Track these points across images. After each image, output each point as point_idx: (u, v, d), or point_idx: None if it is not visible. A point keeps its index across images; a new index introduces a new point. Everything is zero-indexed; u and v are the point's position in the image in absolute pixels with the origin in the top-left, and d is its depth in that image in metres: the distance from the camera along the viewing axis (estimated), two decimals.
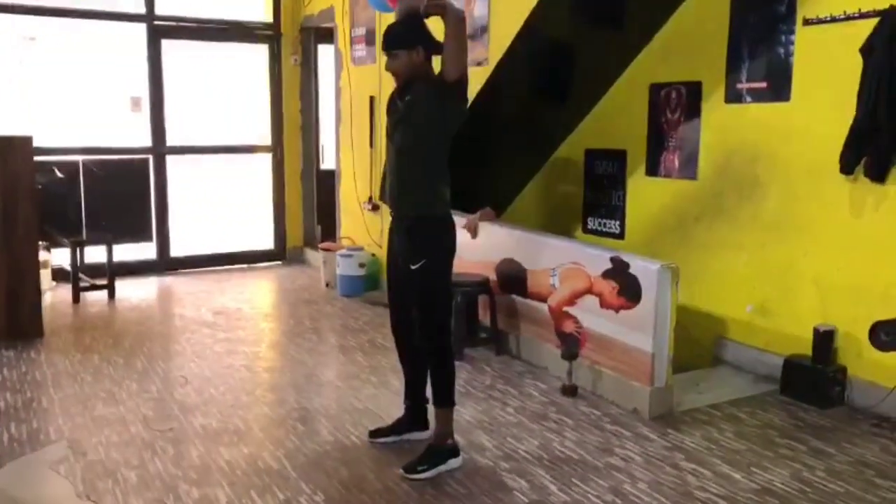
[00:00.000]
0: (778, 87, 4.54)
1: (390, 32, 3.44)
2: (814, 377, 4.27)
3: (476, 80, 5.29)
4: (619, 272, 4.22)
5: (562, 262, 4.62)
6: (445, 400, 3.50)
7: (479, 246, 5.34)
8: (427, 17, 3.35)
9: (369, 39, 6.60)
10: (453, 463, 3.46)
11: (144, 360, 4.91)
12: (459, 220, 5.44)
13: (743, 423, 4.02)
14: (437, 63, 3.42)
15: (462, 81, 3.32)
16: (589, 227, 6.03)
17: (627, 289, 4.16)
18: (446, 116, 3.41)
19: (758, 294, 4.75)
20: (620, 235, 5.76)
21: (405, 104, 3.41)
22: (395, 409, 3.94)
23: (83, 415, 4.04)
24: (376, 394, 4.36)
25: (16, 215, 5.20)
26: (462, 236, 5.37)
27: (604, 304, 4.32)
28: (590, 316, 4.43)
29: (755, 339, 4.77)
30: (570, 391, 4.40)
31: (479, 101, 5.36)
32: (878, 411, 4.07)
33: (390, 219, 3.61)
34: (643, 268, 4.09)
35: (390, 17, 6.27)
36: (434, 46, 3.42)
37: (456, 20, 3.26)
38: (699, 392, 4.47)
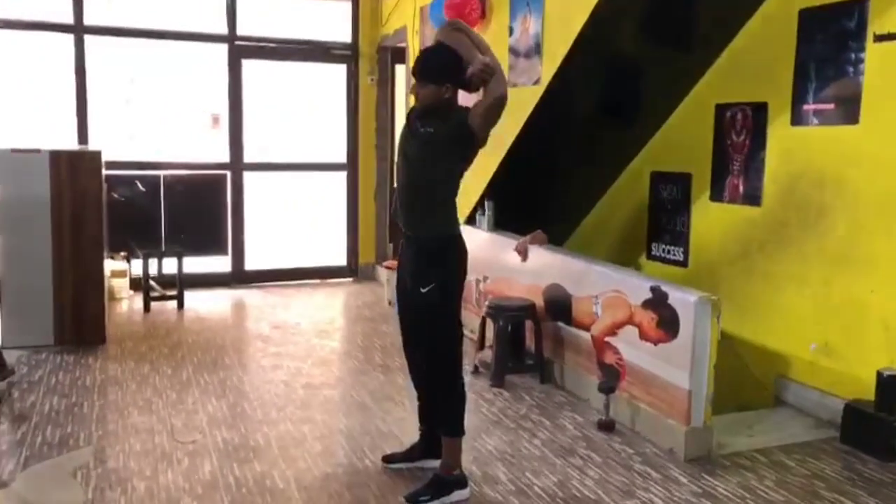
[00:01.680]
0: (846, 108, 4.20)
1: (425, 60, 3.34)
2: (876, 426, 3.89)
3: (530, 99, 5.19)
4: (658, 302, 3.98)
5: (604, 289, 4.41)
6: (452, 429, 3.39)
7: (529, 270, 5.19)
8: (470, 85, 3.27)
9: None
10: (459, 495, 3.33)
11: (190, 371, 5.02)
12: (508, 241, 5.36)
13: (789, 472, 3.70)
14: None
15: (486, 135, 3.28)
16: (653, 253, 5.78)
17: (666, 320, 3.92)
18: (464, 155, 3.37)
19: (822, 332, 4.39)
20: (684, 263, 5.48)
21: (425, 134, 3.32)
22: (417, 434, 3.83)
23: (116, 422, 4.14)
24: (405, 417, 4.27)
25: (83, 226, 5.44)
26: (513, 259, 5.28)
27: (643, 336, 4.09)
28: (629, 348, 4.20)
29: (818, 380, 4.40)
30: (607, 426, 4.18)
31: (533, 121, 5.24)
32: None
33: (402, 237, 3.53)
34: (681, 299, 3.84)
35: None
36: (464, 83, 3.31)
37: (500, 96, 3.19)
38: (749, 434, 4.16)
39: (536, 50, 5.15)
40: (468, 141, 3.29)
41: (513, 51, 5.45)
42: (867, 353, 4.11)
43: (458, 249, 3.42)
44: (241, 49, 7.56)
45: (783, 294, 4.63)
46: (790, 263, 4.58)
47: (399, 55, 7.80)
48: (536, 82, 5.19)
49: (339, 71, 8.03)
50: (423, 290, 3.33)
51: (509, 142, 5.41)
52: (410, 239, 3.46)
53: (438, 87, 3.26)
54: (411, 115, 3.45)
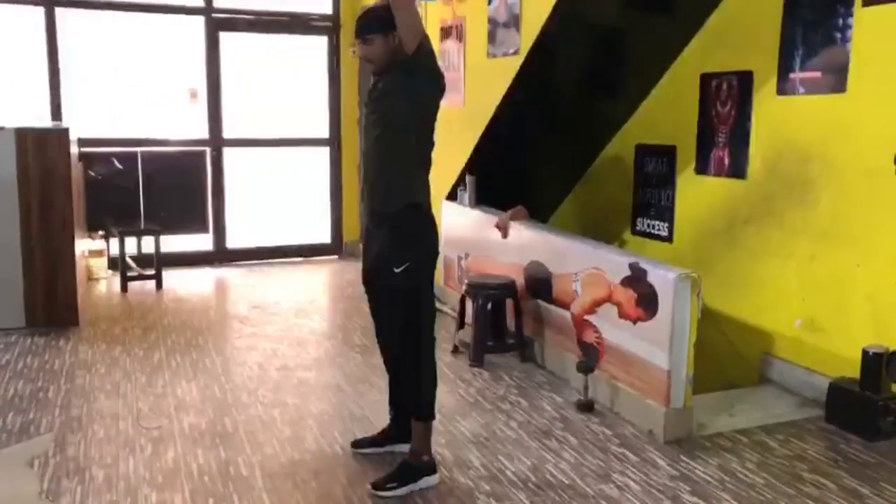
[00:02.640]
0: (833, 76, 4.04)
1: (364, 18, 3.20)
2: (861, 405, 3.77)
3: (509, 71, 5.02)
4: (637, 280, 3.86)
5: (584, 266, 4.28)
6: (423, 413, 3.27)
7: (510, 247, 5.05)
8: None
9: None
10: (428, 481, 3.22)
11: (163, 353, 4.90)
12: (490, 218, 5.22)
13: (771, 453, 3.59)
14: None
15: (422, 50, 3.04)
16: (638, 228, 5.64)
17: (645, 298, 3.79)
18: (418, 92, 3.12)
19: (807, 308, 4.26)
20: (669, 238, 5.35)
21: (378, 92, 3.18)
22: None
23: (81, 407, 4.02)
24: (379, 400, 4.14)
25: (52, 205, 5.29)
26: (494, 236, 5.14)
27: (622, 314, 3.97)
28: (609, 326, 4.08)
29: (803, 357, 4.29)
30: (586, 407, 4.06)
31: (514, 92, 5.08)
32: None
33: (367, 219, 3.37)
34: (660, 276, 3.71)
35: (435, 8, 6.07)
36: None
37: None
38: (731, 414, 4.05)
39: (515, 19, 4.97)
40: (414, 69, 3.06)
41: (492, 21, 5.27)
42: (852, 329, 3.99)
43: (427, 223, 3.25)
44: (218, 21, 7.37)
45: (769, 269, 4.50)
46: (776, 238, 4.45)
47: None
48: (515, 52, 5.02)
49: (320, 43, 7.84)
50: (396, 271, 3.18)
51: (489, 114, 5.26)
52: (380, 216, 3.29)
53: (385, 35, 3.09)
54: (368, 94, 3.29)
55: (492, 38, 5.30)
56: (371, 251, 3.32)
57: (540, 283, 4.71)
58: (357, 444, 3.56)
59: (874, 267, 3.89)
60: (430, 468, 3.26)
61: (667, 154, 5.29)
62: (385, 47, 3.10)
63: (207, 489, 3.19)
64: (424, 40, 3.06)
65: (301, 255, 8.00)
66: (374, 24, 3.12)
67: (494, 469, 3.40)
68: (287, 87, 7.82)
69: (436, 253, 3.32)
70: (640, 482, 3.29)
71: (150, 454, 3.49)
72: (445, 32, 5.91)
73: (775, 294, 4.45)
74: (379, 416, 3.88)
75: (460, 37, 5.68)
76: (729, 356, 4.70)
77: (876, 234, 3.87)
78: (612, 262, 4.08)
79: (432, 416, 3.30)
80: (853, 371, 3.89)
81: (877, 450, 3.62)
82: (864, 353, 3.77)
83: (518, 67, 4.92)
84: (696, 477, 3.35)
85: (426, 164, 3.26)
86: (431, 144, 3.27)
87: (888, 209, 3.80)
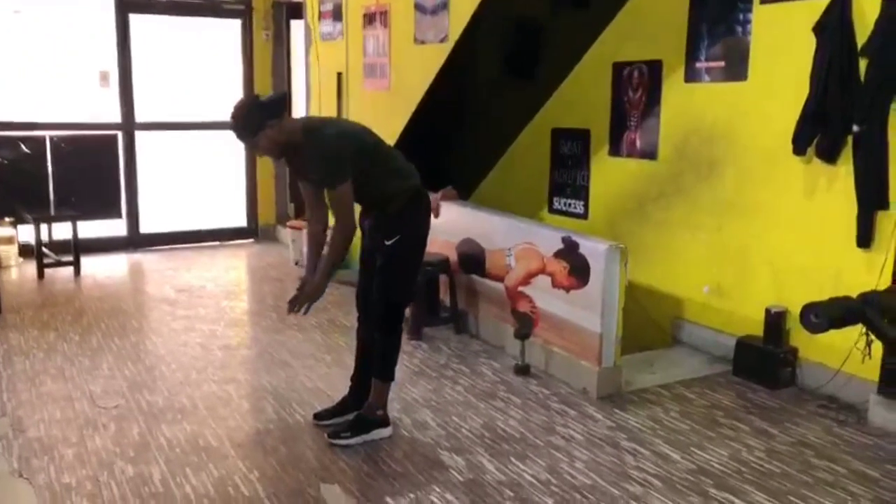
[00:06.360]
0: (735, 66, 4.50)
1: (235, 127, 3.24)
2: (764, 358, 4.27)
3: (437, 57, 5.27)
4: (569, 252, 4.20)
5: (517, 241, 4.60)
6: (384, 373, 3.52)
7: (441, 225, 5.29)
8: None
9: (336, 15, 6.52)
10: (381, 433, 3.50)
11: (100, 337, 4.90)
12: None
13: (690, 404, 4.03)
14: None
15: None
16: (555, 207, 6.01)
17: (577, 269, 4.15)
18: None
19: (714, 275, 4.74)
20: (584, 216, 5.74)
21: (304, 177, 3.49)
22: (345, 389, 3.90)
23: (29, 391, 4.02)
24: (328, 373, 4.35)
25: None
26: None
27: (555, 284, 4.31)
28: (543, 295, 4.42)
29: (711, 320, 4.77)
30: (523, 370, 4.40)
31: (440, 78, 5.33)
32: (826, 392, 4.08)
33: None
34: (592, 248, 4.07)
35: None
36: (280, 107, 3.30)
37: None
38: (651, 372, 4.47)
39: (444, 6, 5.22)
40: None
41: (419, 7, 5.49)
42: (755, 293, 4.48)
43: (420, 199, 3.51)
44: (128, 3, 7.24)
45: (678, 241, 4.95)
46: (685, 212, 4.90)
47: (295, 10, 7.66)
48: (443, 40, 5.27)
49: (233, 26, 7.83)
50: (387, 243, 3.40)
51: (417, 99, 5.49)
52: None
53: (264, 129, 3.17)
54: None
55: (419, 25, 5.52)
56: (364, 226, 3.55)
57: (473, 259, 5.00)
58: (319, 416, 3.73)
59: (773, 236, 4.38)
60: (383, 422, 3.53)
61: (581, 137, 5.67)
62: (273, 138, 3.20)
63: (181, 459, 3.31)
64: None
65: (217, 239, 8.01)
66: (247, 130, 3.20)
67: (451, 428, 3.67)
68: (200, 71, 7.77)
69: (423, 234, 3.56)
70: (582, 433, 3.64)
71: (115, 431, 3.57)
72: (368, 19, 6.08)
73: (685, 264, 4.91)
74: (332, 387, 4.08)
75: (385, 24, 5.87)
76: (643, 322, 5.14)
77: (774, 206, 4.36)
78: (544, 237, 4.41)
79: (392, 378, 3.55)
80: (755, 330, 4.39)
81: (779, 396, 4.12)
82: (767, 312, 4.27)
83: (447, 54, 5.17)
84: (630, 426, 3.73)
85: (393, 167, 3.46)
86: (383, 154, 3.47)
87: (785, 183, 4.29)
